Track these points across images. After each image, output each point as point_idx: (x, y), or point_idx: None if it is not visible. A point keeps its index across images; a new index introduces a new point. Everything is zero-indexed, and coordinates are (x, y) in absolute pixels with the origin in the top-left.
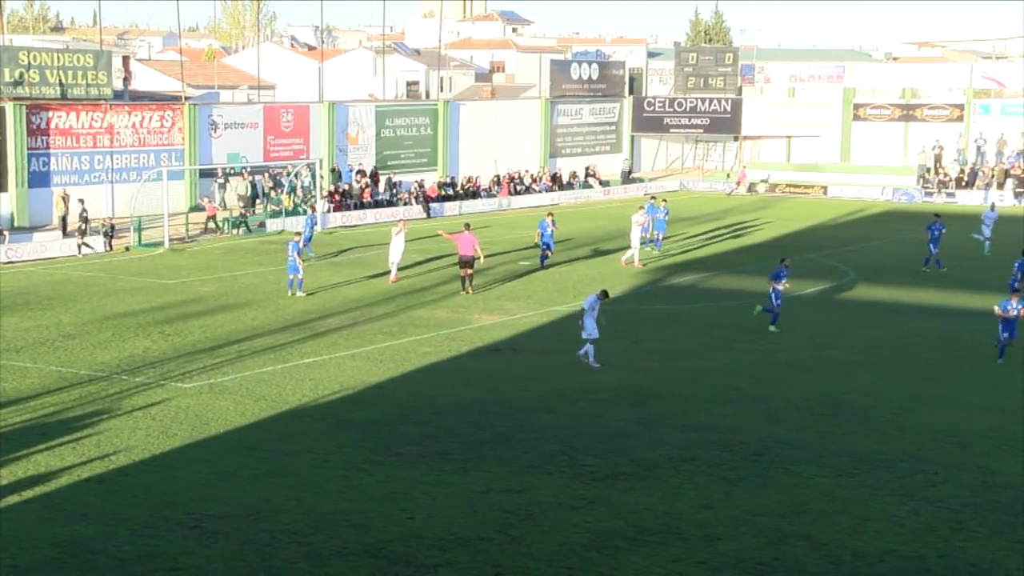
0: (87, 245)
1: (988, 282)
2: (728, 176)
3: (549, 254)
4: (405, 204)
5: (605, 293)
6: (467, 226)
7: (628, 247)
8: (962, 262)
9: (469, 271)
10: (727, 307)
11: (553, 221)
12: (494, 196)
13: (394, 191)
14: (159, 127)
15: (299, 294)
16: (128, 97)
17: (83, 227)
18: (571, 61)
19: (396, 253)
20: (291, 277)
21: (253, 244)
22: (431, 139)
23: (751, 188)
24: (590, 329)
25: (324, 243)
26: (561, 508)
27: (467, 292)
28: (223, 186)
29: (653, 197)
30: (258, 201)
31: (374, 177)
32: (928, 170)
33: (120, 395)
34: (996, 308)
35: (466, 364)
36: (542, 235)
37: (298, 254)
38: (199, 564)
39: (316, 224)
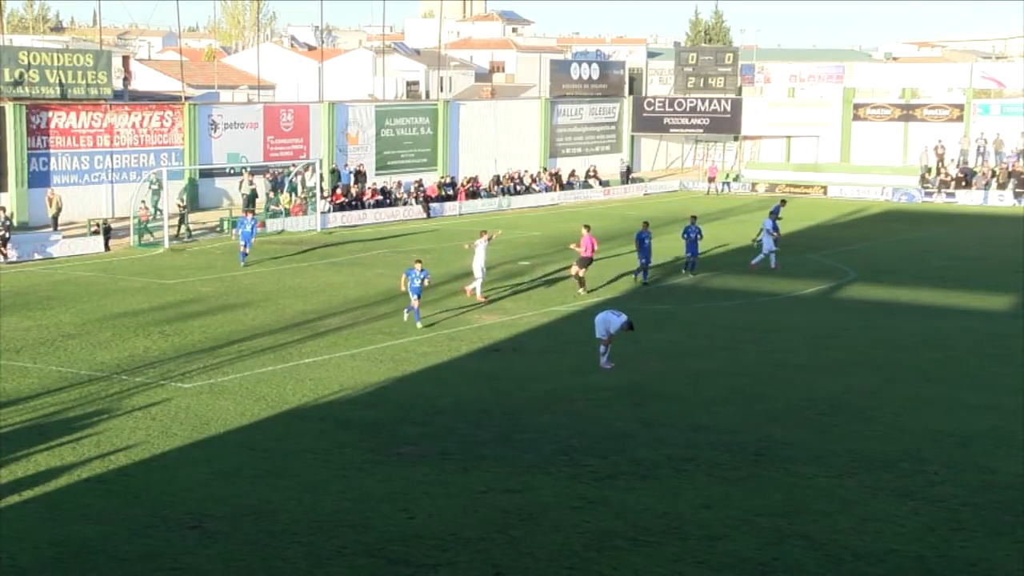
0: (2, 253)
1: (988, 282)
2: (728, 176)
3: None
4: (405, 204)
5: (631, 325)
6: (587, 227)
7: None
8: (962, 263)
9: (583, 271)
10: (727, 307)
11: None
12: (494, 196)
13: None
14: (159, 127)
15: (417, 325)
16: (128, 97)
17: (5, 236)
18: (571, 61)
19: (479, 263)
20: (415, 303)
21: (254, 244)
22: (431, 139)
23: (723, 185)
24: (600, 330)
25: (322, 243)
26: (561, 508)
27: (583, 291)
28: (157, 191)
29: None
30: (257, 201)
31: (359, 174)
32: (929, 170)
33: (120, 395)
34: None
35: (466, 364)
36: (641, 245)
37: (425, 280)
38: (199, 564)
39: (255, 227)
